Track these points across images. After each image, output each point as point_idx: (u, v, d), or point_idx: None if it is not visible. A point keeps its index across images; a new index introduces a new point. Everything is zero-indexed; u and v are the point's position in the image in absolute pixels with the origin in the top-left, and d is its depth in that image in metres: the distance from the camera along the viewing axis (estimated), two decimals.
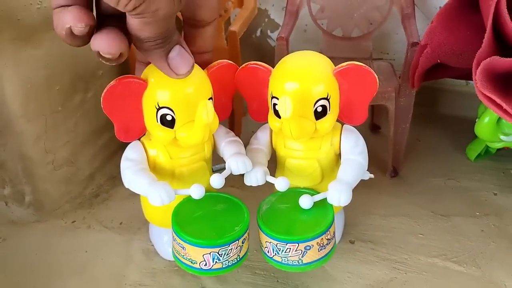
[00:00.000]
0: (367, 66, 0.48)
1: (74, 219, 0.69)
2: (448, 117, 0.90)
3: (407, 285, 0.57)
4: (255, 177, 0.50)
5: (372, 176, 0.55)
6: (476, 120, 0.69)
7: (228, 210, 0.51)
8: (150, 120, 0.47)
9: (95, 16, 0.35)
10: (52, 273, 0.60)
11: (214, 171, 0.55)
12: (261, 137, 0.55)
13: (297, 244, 0.47)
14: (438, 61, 0.63)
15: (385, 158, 0.77)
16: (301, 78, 0.48)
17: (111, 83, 0.45)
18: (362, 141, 0.53)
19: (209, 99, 0.48)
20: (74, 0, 0.33)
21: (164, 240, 0.60)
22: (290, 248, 0.47)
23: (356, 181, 0.51)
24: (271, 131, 0.54)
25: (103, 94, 0.45)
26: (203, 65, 0.48)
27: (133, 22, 0.33)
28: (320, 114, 0.48)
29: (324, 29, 0.81)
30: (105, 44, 0.34)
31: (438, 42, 0.63)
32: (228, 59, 0.77)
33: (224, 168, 0.51)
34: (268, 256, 0.50)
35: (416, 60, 0.64)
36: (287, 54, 0.71)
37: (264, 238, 0.49)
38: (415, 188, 0.74)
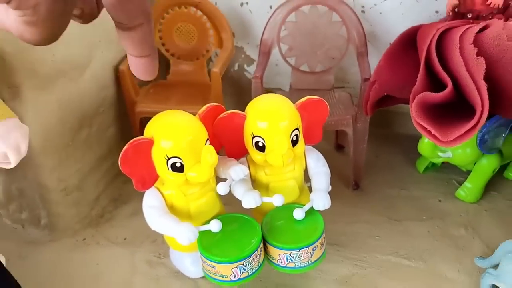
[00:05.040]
0: (319, 97, 0.62)
1: (84, 237, 0.80)
2: (402, 136, 1.03)
3: (366, 278, 0.70)
4: (253, 199, 0.59)
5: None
6: (419, 140, 0.82)
7: (241, 227, 0.61)
8: (162, 169, 0.55)
9: None
10: (68, 284, 0.71)
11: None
12: None
13: (307, 248, 0.59)
14: (385, 93, 0.77)
15: (348, 174, 0.89)
16: (279, 117, 0.60)
17: (124, 148, 0.52)
18: (321, 155, 0.67)
19: (206, 140, 0.57)
20: None
21: (188, 263, 0.69)
22: (302, 253, 0.59)
23: (329, 187, 0.64)
24: (248, 165, 0.65)
25: (120, 159, 0.51)
26: (141, 70, 0.39)
27: (12, 23, 0.22)
28: (294, 142, 0.61)
29: (293, 65, 0.95)
30: None
31: (385, 79, 0.76)
32: (211, 95, 0.90)
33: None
34: (280, 266, 0.61)
35: (367, 93, 0.77)
36: (262, 89, 0.84)
37: (277, 252, 0.60)
38: (374, 198, 0.87)
